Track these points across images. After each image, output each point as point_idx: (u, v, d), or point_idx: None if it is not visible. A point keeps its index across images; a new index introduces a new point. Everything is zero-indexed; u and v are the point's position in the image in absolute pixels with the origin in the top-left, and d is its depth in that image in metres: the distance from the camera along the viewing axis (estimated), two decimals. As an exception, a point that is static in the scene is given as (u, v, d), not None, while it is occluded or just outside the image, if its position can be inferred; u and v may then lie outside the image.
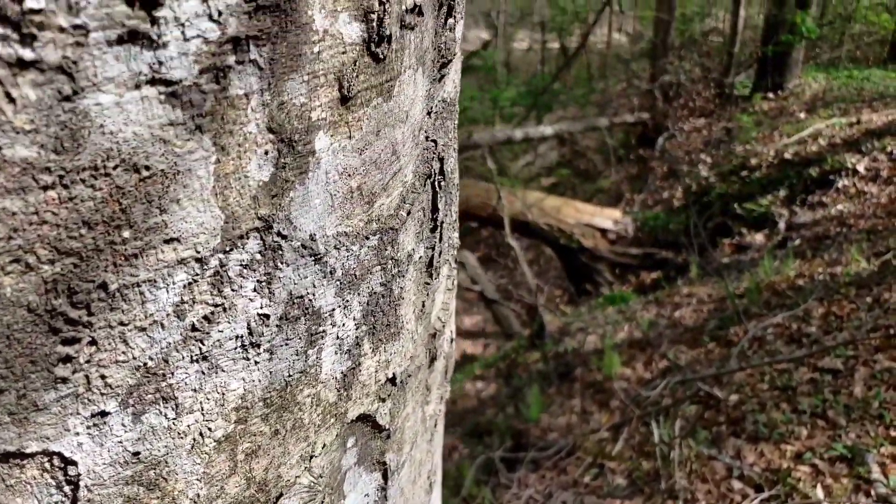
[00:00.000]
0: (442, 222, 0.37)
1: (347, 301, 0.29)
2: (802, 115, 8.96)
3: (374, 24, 0.27)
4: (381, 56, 0.28)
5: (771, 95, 10.47)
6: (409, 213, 0.32)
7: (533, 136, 10.98)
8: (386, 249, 0.32)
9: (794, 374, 3.25)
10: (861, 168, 6.86)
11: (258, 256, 0.25)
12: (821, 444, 2.73)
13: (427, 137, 0.33)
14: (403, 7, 0.29)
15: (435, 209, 0.35)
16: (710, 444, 2.93)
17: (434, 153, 0.33)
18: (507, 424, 4.31)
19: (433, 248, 0.36)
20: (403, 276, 0.33)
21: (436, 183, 0.34)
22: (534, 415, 4.12)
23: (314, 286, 0.27)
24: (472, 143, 9.80)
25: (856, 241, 4.86)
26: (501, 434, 4.31)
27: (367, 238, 0.30)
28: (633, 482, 3.06)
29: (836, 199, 6.61)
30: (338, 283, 0.29)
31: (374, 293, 0.31)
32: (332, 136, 0.27)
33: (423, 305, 0.35)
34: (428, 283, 0.36)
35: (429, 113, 0.32)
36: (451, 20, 0.33)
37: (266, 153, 0.24)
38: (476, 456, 4.39)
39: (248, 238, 0.25)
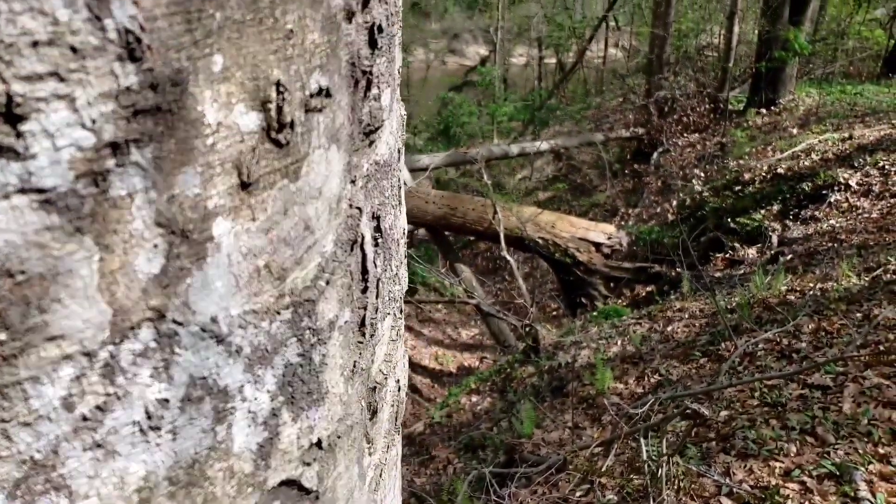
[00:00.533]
0: (378, 279, 0.38)
1: (259, 376, 0.30)
2: (795, 131, 9.03)
3: (273, 112, 0.28)
4: (284, 141, 0.28)
5: (764, 111, 10.55)
6: (328, 283, 0.32)
7: (529, 152, 11.05)
8: (302, 321, 0.32)
9: (783, 390, 3.25)
10: (853, 183, 6.91)
11: (152, 344, 0.26)
12: (809, 461, 2.73)
13: (351, 205, 0.33)
14: (307, 92, 0.29)
15: (366, 271, 0.36)
16: (699, 460, 2.93)
17: (359, 220, 0.33)
18: (500, 439, 4.30)
19: (365, 308, 0.36)
20: (325, 343, 0.34)
21: (365, 246, 0.35)
22: (527, 430, 4.11)
23: (218, 366, 0.28)
24: (469, 158, 9.86)
25: (847, 256, 4.89)
26: (496, 448, 4.30)
27: (279, 313, 0.30)
28: (624, 498, 3.06)
29: (829, 214, 6.65)
30: (246, 359, 0.29)
31: (291, 364, 0.32)
32: (232, 220, 0.27)
33: (355, 365, 0.36)
34: (361, 342, 0.36)
35: (353, 181, 0.33)
36: (373, 90, 0.34)
37: (155, 246, 0.25)
38: (470, 471, 4.38)
39: (140, 328, 0.25)
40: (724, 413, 3.27)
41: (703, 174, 8.94)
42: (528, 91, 20.40)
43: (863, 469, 2.54)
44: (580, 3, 20.81)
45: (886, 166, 6.91)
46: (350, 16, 0.30)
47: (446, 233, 8.00)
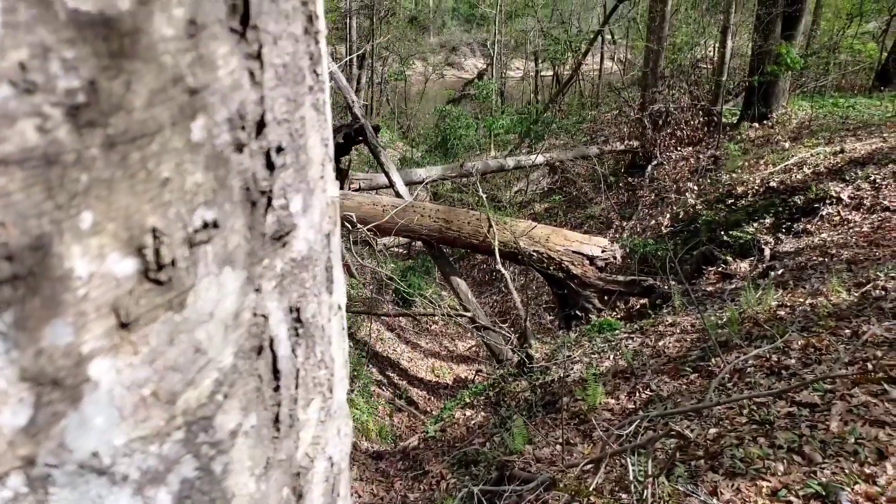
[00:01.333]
0: (298, 370, 0.38)
1: (149, 497, 0.30)
2: (788, 144, 9.09)
3: (151, 256, 0.28)
4: (165, 279, 0.29)
5: (757, 124, 10.63)
6: (227, 396, 0.32)
7: (524, 165, 11.10)
8: (198, 437, 0.32)
9: (772, 408, 3.27)
10: (845, 196, 6.95)
11: (23, 489, 0.26)
12: (796, 480, 2.75)
13: (255, 314, 0.33)
14: (190, 229, 0.29)
15: (277, 371, 0.35)
16: (687, 479, 2.94)
17: (264, 327, 0.34)
18: (493, 455, 4.31)
19: (279, 405, 0.37)
20: (227, 452, 0.33)
21: (277, 346, 0.35)
22: (518, 446, 4.12)
23: (101, 496, 0.28)
24: (465, 172, 9.91)
25: (837, 271, 4.92)
26: (488, 464, 4.30)
27: (170, 434, 0.30)
28: (614, 517, 3.07)
29: (821, 228, 6.69)
30: (133, 484, 0.29)
31: (188, 479, 0.31)
32: (112, 358, 0.28)
33: (269, 460, 0.36)
34: (276, 437, 0.37)
35: (258, 290, 0.33)
36: (278, 202, 0.34)
37: (21, 400, 0.25)
38: (462, 487, 4.37)
39: (8, 476, 0.25)
40: (713, 431, 3.29)
41: (696, 187, 8.99)
42: (525, 104, 20.53)
43: (849, 489, 2.56)
44: (576, 17, 21.00)
45: (877, 180, 6.96)
46: (240, 147, 0.30)
47: (442, 246, 8.02)
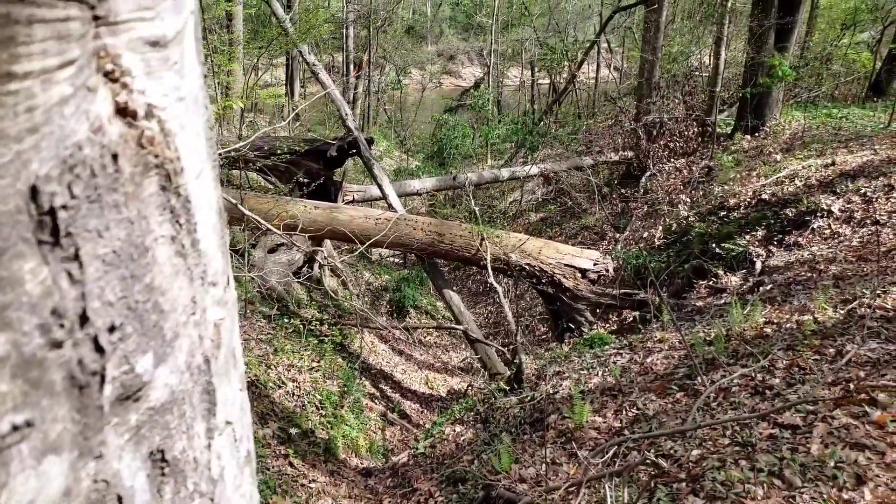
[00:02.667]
0: None
1: None
2: (780, 156, 9.12)
3: None
4: None
5: (749, 137, 10.66)
6: None
7: (519, 176, 11.13)
8: None
9: (754, 430, 3.28)
10: (836, 209, 6.97)
11: None
12: (776, 504, 2.76)
13: (96, 480, 0.33)
14: None
15: None
16: (668, 502, 2.94)
17: (109, 489, 0.34)
18: (480, 473, 4.31)
19: None
20: None
21: (134, 496, 0.36)
22: (504, 465, 4.12)
23: None
24: (459, 184, 9.94)
25: (824, 287, 4.93)
26: (475, 483, 4.30)
27: None
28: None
29: (811, 241, 6.71)
30: None
31: None
32: None
33: None
34: None
35: (98, 457, 0.33)
36: (117, 371, 0.33)
37: None
38: (450, 506, 4.39)
39: None
40: (695, 452, 3.29)
41: (689, 199, 9.01)
42: (522, 113, 20.60)
43: (826, 513, 2.56)
44: (572, 26, 21.09)
45: (868, 193, 6.98)
46: (59, 344, 0.30)
47: (435, 259, 8.04)
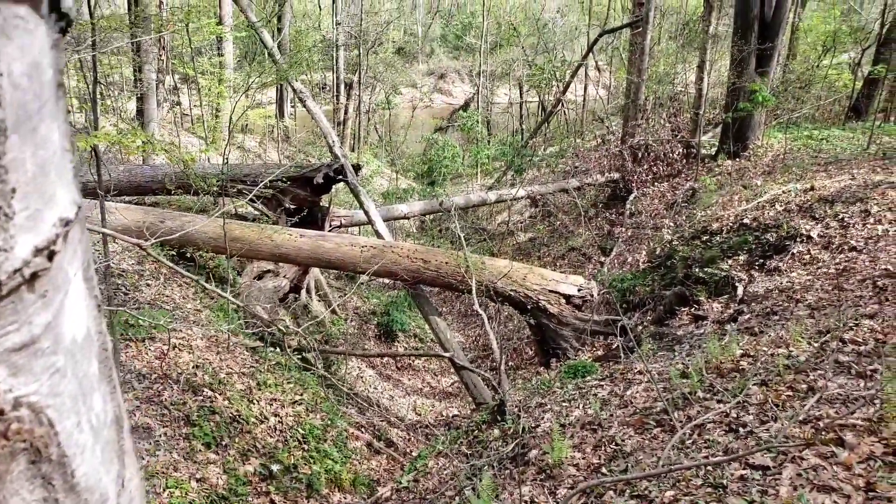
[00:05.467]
0: None
1: None
2: (762, 180, 9.26)
3: None
4: None
5: (730, 162, 10.80)
6: None
7: (506, 198, 11.22)
8: None
9: (726, 470, 3.32)
10: (815, 235, 7.07)
11: None
12: (744, 549, 2.79)
13: None
14: None
15: None
16: (640, 547, 2.97)
17: None
18: (462, 509, 4.32)
19: None
20: None
21: None
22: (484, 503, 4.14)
23: None
24: (445, 208, 10.01)
25: (800, 318, 5.00)
26: (457, 519, 4.31)
27: None
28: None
29: (792, 266, 6.80)
30: None
31: None
32: None
33: None
34: None
35: None
36: None
37: None
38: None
39: None
40: (669, 493, 3.33)
41: (673, 223, 9.11)
42: (511, 132, 20.78)
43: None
44: (561, 46, 21.34)
45: (845, 218, 7.10)
46: None
47: (421, 285, 8.08)
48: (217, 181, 5.77)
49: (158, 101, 13.37)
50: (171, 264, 2.96)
